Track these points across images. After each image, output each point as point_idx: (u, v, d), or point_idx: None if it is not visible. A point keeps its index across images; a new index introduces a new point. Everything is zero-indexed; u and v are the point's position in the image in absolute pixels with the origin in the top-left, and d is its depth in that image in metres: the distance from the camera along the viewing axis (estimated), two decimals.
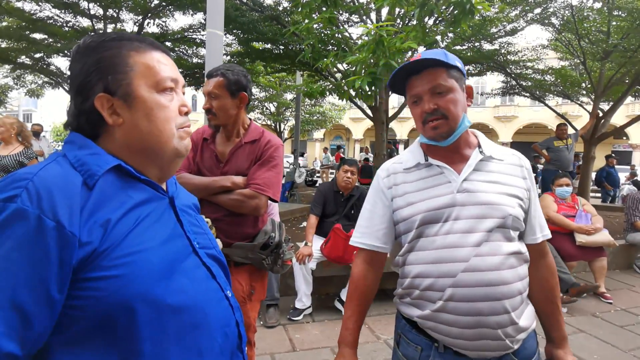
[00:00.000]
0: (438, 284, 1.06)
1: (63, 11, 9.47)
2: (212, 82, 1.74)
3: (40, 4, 9.11)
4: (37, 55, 10.79)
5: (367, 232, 1.21)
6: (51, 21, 9.65)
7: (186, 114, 0.81)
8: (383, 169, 1.24)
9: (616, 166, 11.17)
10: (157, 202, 0.78)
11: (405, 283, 1.16)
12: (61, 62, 22.53)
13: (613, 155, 10.73)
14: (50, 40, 10.11)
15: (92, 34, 0.79)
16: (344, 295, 3.50)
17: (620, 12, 7.23)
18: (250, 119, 1.89)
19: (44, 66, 11.18)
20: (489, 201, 1.07)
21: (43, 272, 0.60)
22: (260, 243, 1.74)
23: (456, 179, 1.10)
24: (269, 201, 1.88)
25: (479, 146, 1.16)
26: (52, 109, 36.44)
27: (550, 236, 1.21)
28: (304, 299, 3.38)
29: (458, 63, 1.12)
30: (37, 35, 10.03)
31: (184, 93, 0.84)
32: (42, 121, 25.75)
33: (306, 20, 4.86)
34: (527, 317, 1.10)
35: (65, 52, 9.93)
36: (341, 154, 15.90)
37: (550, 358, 1.19)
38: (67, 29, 9.92)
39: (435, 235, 1.09)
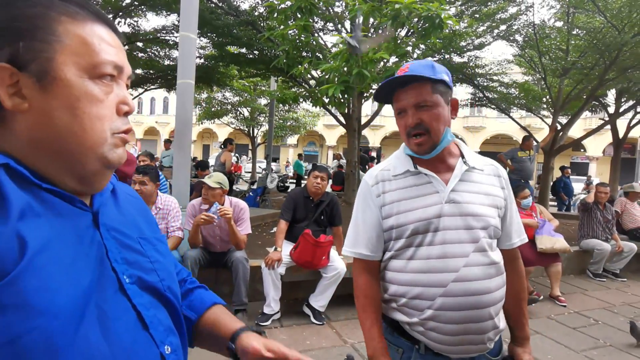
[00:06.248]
0: (428, 293, 1.08)
1: None
2: None
3: None
4: None
5: (358, 241, 1.20)
6: None
7: (126, 114, 0.60)
8: (371, 176, 1.21)
9: (572, 177, 11.85)
10: (71, 219, 0.55)
11: (390, 289, 1.16)
12: None
13: (567, 166, 11.36)
14: None
15: None
16: (312, 300, 3.52)
17: (578, 32, 7.71)
18: None
19: None
20: (475, 212, 1.10)
21: None
22: None
23: (444, 189, 1.12)
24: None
25: (462, 156, 1.18)
26: None
27: (527, 239, 1.28)
28: (272, 304, 3.38)
29: (445, 76, 1.12)
30: None
31: (128, 87, 0.63)
32: None
33: (281, 27, 4.90)
34: (502, 319, 1.17)
35: None
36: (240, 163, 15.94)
37: (511, 355, 1.26)
38: None
39: (425, 245, 1.10)
